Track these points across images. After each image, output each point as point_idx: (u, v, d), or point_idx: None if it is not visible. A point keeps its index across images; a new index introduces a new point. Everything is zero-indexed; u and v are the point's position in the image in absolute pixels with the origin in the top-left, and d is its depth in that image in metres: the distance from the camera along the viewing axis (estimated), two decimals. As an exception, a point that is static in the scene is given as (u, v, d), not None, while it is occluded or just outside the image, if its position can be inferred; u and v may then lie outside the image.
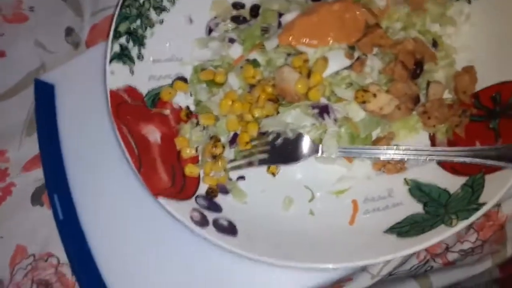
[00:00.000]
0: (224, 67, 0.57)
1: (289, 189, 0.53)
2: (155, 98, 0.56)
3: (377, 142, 0.52)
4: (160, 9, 0.58)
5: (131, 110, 0.53)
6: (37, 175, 0.59)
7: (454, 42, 0.55)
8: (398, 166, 0.51)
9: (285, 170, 0.54)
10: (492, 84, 0.52)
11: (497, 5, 0.53)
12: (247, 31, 0.56)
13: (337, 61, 0.51)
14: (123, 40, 0.55)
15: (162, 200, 0.47)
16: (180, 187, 0.51)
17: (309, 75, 0.50)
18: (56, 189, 0.57)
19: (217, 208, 0.51)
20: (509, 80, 0.51)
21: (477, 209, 0.44)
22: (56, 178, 0.57)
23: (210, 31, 0.60)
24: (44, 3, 0.68)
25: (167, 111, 0.56)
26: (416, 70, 0.51)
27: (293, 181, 0.53)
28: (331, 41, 0.51)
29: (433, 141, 0.53)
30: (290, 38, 0.51)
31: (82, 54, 0.64)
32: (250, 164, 0.53)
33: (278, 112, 0.52)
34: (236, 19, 0.59)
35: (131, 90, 0.55)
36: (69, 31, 0.67)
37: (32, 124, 0.62)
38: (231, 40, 0.57)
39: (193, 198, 0.51)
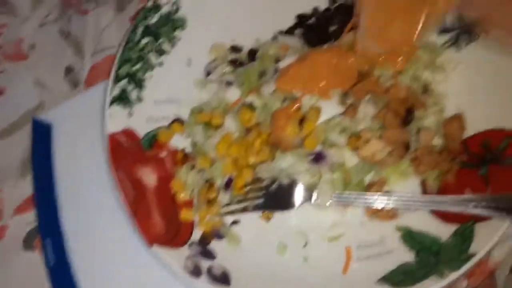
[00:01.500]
0: (221, 110, 0.58)
1: (283, 234, 0.53)
2: (152, 139, 0.57)
3: (369, 187, 0.53)
4: (161, 52, 0.59)
5: (128, 153, 0.54)
6: (30, 218, 0.59)
7: (443, 88, 0.56)
8: (390, 213, 0.52)
9: (279, 214, 0.54)
10: (481, 131, 0.53)
11: (484, 54, 0.55)
12: (244, 74, 0.58)
13: (331, 108, 0.53)
14: (123, 83, 0.56)
15: (156, 249, 0.48)
16: (175, 232, 0.51)
17: (302, 121, 0.51)
18: (49, 233, 0.56)
19: (211, 254, 0.51)
20: (497, 127, 0.52)
21: (467, 260, 0.45)
22: (49, 221, 0.57)
23: (208, 73, 0.61)
24: (45, 41, 0.70)
25: (164, 153, 0.57)
26: (407, 117, 0.52)
27: (287, 226, 0.54)
28: (325, 87, 0.53)
29: (424, 187, 0.53)
30: (286, 83, 0.53)
31: (81, 94, 0.65)
32: (244, 209, 0.53)
33: (273, 158, 0.53)
34: (234, 63, 0.60)
35: (129, 133, 0.55)
36: (68, 70, 0.68)
37: (28, 165, 0.62)
38: (229, 83, 0.59)
39: (187, 245, 0.51)
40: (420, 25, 0.41)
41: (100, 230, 0.56)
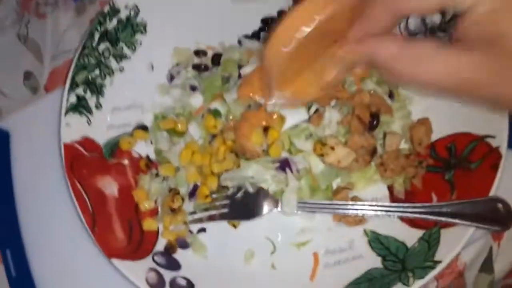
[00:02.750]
0: (185, 116, 0.56)
1: (251, 242, 0.52)
2: (114, 147, 0.55)
3: (337, 192, 0.53)
4: (121, 56, 0.57)
5: (87, 163, 0.52)
6: (-11, 228, 0.57)
7: (410, 92, 0.56)
8: (357, 218, 0.51)
9: (246, 221, 0.53)
10: (447, 134, 0.53)
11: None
12: (207, 80, 0.56)
13: (296, 114, 0.51)
14: (80, 90, 0.54)
15: (116, 262, 0.46)
16: (137, 243, 0.50)
17: (266, 129, 0.50)
18: (9, 244, 0.54)
19: (175, 265, 0.50)
20: (463, 131, 0.52)
21: (432, 267, 0.44)
22: (9, 232, 0.55)
23: (171, 78, 0.59)
24: (3, 46, 0.67)
25: (126, 161, 0.55)
26: (373, 122, 0.52)
27: (254, 233, 0.53)
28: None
29: (391, 191, 0.53)
30: (248, 92, 0.51)
31: (40, 100, 0.62)
32: (211, 218, 0.52)
33: (238, 166, 0.51)
34: (197, 67, 0.59)
35: (87, 142, 0.53)
36: (27, 75, 0.66)
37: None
38: (193, 88, 0.57)
39: (151, 256, 0.49)
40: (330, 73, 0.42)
41: (61, 240, 0.54)
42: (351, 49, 0.36)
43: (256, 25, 0.60)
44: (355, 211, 0.49)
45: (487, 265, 0.53)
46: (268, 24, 0.60)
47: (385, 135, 0.53)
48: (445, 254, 0.45)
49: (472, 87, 0.29)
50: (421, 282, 0.44)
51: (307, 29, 0.36)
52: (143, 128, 0.57)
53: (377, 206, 0.49)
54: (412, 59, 0.30)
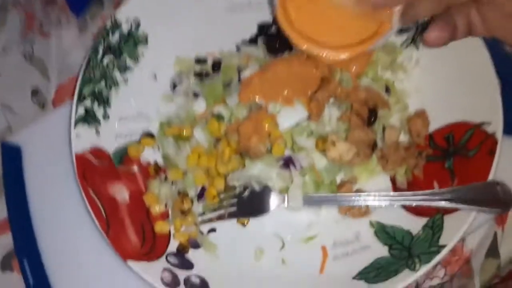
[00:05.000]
0: (190, 121, 0.58)
1: (260, 239, 0.54)
2: (123, 155, 0.57)
3: (341, 186, 0.54)
4: (125, 68, 0.60)
5: (98, 171, 0.54)
6: (6, 239, 0.58)
7: (406, 86, 0.58)
8: (363, 210, 0.53)
9: (254, 219, 0.55)
10: (444, 124, 0.55)
11: (443, 50, 0.57)
12: (209, 87, 0.58)
13: (297, 113, 0.53)
14: (87, 102, 0.56)
15: (132, 263, 0.48)
16: (150, 246, 0.51)
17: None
18: (26, 253, 0.56)
19: (188, 264, 0.51)
20: (459, 120, 0.54)
21: (437, 252, 0.46)
22: (25, 242, 0.57)
23: (174, 86, 0.61)
24: (9, 65, 0.69)
25: (135, 168, 0.57)
26: (371, 117, 0.53)
27: (263, 230, 0.54)
28: (288, 96, 0.54)
29: (393, 182, 0.55)
30: (249, 95, 0.54)
31: (48, 115, 0.64)
32: (220, 217, 0.54)
33: (244, 166, 0.53)
34: (199, 75, 0.61)
35: (97, 151, 0.55)
36: (35, 92, 0.68)
37: (0, 187, 0.62)
38: (196, 94, 0.59)
39: (164, 256, 0.51)
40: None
41: (76, 247, 0.56)
42: None
43: (252, 31, 0.62)
44: (359, 202, 0.51)
45: (493, 250, 0.54)
46: (264, 30, 0.62)
47: (384, 128, 0.55)
48: (449, 238, 0.46)
49: None
50: (427, 266, 0.45)
51: None
52: (150, 135, 0.59)
53: (381, 196, 0.51)
54: None
